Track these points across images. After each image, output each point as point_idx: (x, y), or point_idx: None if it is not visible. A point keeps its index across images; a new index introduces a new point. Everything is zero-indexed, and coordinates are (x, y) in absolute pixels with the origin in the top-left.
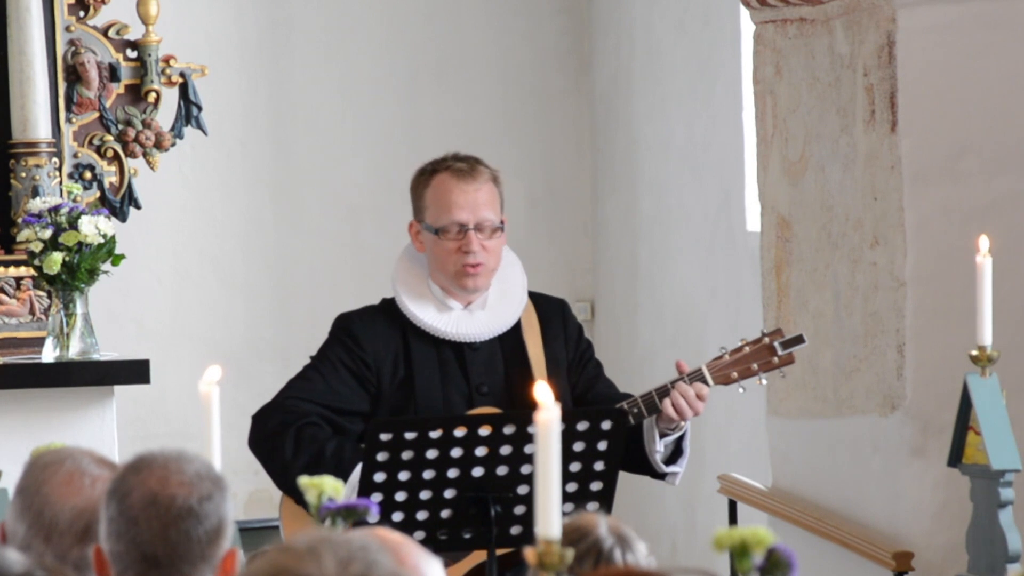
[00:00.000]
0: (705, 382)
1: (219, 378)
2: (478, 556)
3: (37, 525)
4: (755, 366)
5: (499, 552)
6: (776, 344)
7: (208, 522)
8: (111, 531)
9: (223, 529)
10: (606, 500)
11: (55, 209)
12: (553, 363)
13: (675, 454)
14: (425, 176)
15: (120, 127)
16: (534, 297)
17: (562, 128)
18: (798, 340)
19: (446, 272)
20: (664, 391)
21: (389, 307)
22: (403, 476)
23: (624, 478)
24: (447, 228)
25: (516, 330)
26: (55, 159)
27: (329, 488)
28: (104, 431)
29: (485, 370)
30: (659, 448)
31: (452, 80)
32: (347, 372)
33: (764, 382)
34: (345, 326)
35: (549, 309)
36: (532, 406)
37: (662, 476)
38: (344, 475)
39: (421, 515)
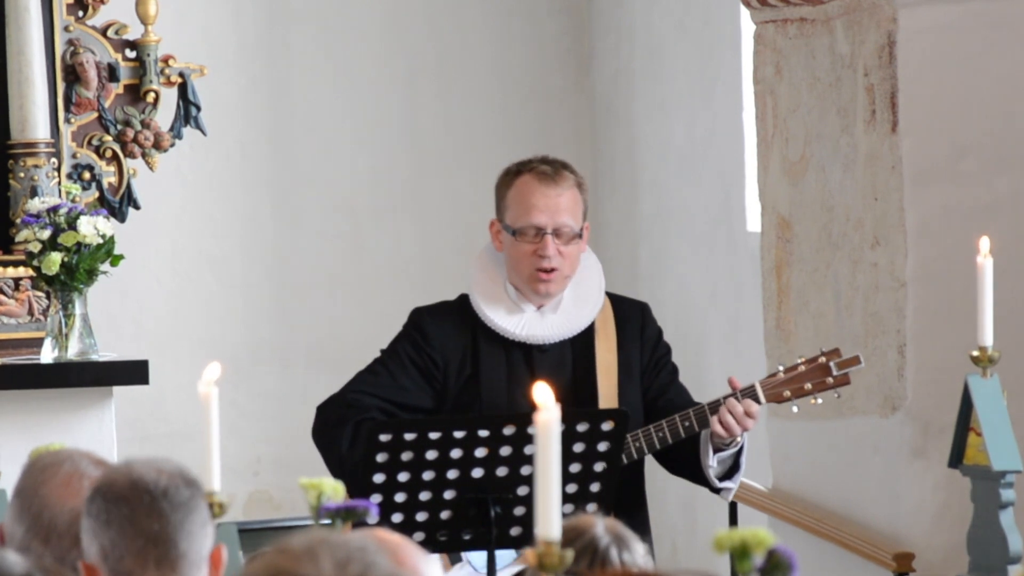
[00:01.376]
0: (757, 399)
1: (218, 376)
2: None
3: (36, 527)
4: (809, 385)
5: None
6: (832, 364)
7: (193, 502)
8: (99, 524)
9: (207, 518)
10: (606, 501)
11: (54, 209)
12: (625, 367)
13: (733, 468)
14: (510, 176)
15: (119, 127)
16: (614, 299)
17: (562, 128)
18: (854, 361)
19: (520, 274)
20: (716, 406)
21: (463, 304)
22: (403, 477)
23: None
24: (524, 230)
25: (589, 333)
26: (54, 159)
27: (328, 489)
28: (103, 432)
29: (552, 372)
30: (712, 463)
31: (452, 80)
32: (414, 368)
33: (819, 401)
34: (416, 321)
35: (628, 312)
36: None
37: (717, 490)
38: None
39: (421, 516)
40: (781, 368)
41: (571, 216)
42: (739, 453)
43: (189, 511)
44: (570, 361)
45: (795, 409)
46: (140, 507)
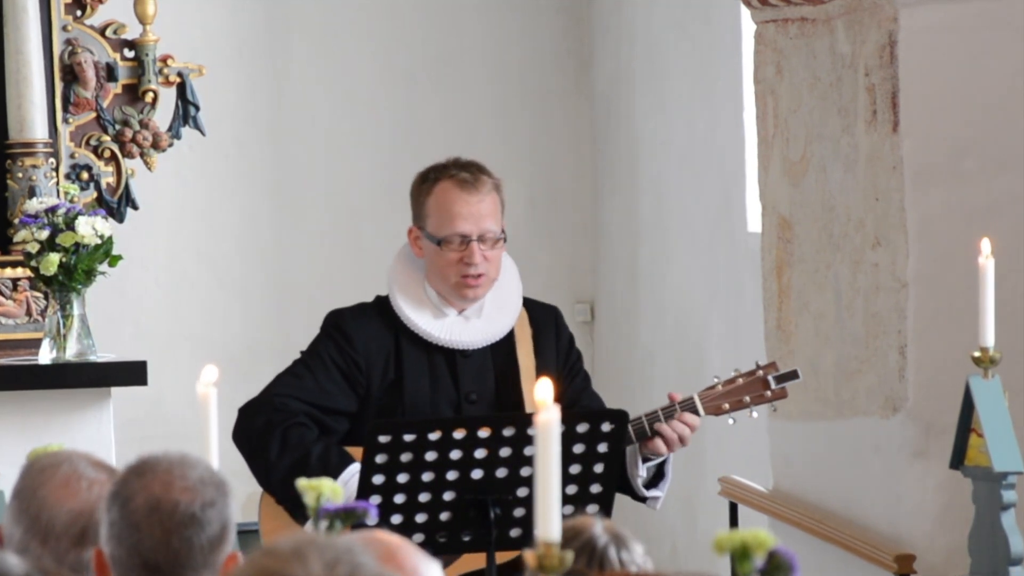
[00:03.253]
0: (696, 412)
1: (215, 378)
2: (467, 562)
3: (34, 528)
4: (747, 398)
5: (500, 560)
6: (770, 378)
7: (211, 528)
8: (112, 535)
9: (225, 534)
10: (606, 502)
11: (52, 210)
12: (543, 371)
13: (657, 477)
14: (428, 183)
15: (117, 127)
16: (527, 303)
17: (562, 128)
18: (792, 375)
19: (447, 282)
20: (654, 418)
21: (383, 306)
22: (402, 478)
23: None
24: (449, 239)
25: (509, 338)
26: (52, 159)
27: (328, 491)
28: (101, 433)
29: (475, 378)
30: (641, 472)
31: (451, 80)
32: (337, 371)
33: (755, 415)
34: (337, 324)
35: (542, 316)
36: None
37: (643, 499)
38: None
39: (420, 517)
40: (718, 380)
41: (494, 221)
42: (664, 462)
43: (202, 542)
44: (492, 366)
45: (732, 421)
46: (151, 538)
